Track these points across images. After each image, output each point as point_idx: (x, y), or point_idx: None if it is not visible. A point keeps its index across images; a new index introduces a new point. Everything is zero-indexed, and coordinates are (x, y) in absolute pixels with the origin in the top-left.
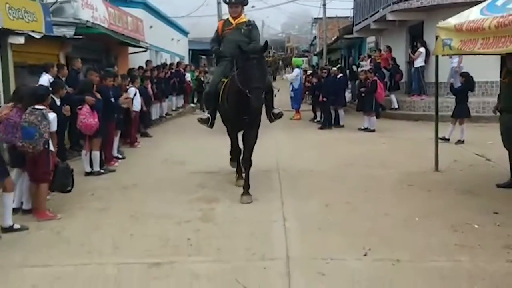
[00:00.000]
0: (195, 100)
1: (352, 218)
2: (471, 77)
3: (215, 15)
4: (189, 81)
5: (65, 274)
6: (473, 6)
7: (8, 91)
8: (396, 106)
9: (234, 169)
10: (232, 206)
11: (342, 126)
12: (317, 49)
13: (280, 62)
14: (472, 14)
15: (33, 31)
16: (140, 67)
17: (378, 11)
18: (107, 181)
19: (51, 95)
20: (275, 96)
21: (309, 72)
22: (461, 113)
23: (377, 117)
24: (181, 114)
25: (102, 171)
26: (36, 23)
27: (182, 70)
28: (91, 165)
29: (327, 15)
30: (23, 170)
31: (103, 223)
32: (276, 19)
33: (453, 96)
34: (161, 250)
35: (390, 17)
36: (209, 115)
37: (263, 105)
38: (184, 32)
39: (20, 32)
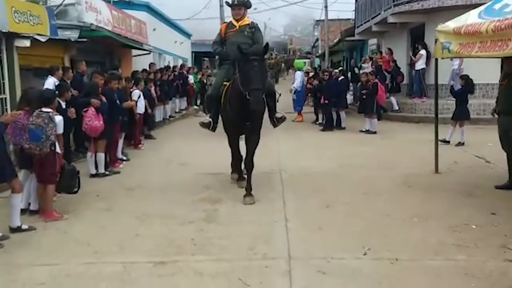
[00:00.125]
0: (198, 102)
1: (352, 218)
2: (471, 79)
3: (218, 18)
4: (192, 83)
5: (72, 272)
6: (474, 9)
7: (14, 94)
8: (397, 108)
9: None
10: (235, 207)
11: (344, 128)
12: (319, 51)
13: (283, 64)
14: (470, 18)
15: (38, 34)
16: (144, 70)
17: (379, 14)
18: (112, 183)
19: (57, 98)
20: (278, 101)
21: (311, 74)
22: (461, 115)
23: (378, 119)
24: (185, 116)
25: (107, 172)
26: (41, 26)
27: (185, 72)
28: (96, 167)
29: (329, 17)
30: (31, 172)
31: (109, 224)
32: (279, 21)
33: (454, 99)
34: (165, 250)
35: (391, 19)
36: (211, 119)
37: (265, 109)
38: (187, 35)
39: (26, 35)
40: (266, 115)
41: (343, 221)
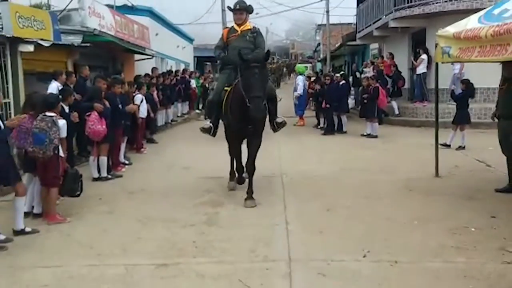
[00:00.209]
0: (200, 107)
1: (353, 221)
2: (472, 84)
3: (220, 23)
4: (194, 88)
5: (75, 274)
6: (474, 13)
7: (18, 98)
8: (397, 113)
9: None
10: (236, 210)
11: (345, 132)
12: (321, 56)
13: (285, 69)
14: (470, 23)
15: (42, 39)
16: (146, 74)
17: (380, 18)
18: (114, 186)
19: (61, 102)
20: (279, 103)
21: (312, 78)
22: (462, 119)
23: (379, 123)
24: (187, 120)
25: (109, 176)
26: (45, 31)
27: (187, 77)
28: (99, 171)
29: (331, 22)
30: (34, 175)
31: (111, 227)
32: (280, 25)
33: (454, 103)
34: (167, 252)
35: (392, 24)
36: (211, 124)
37: (267, 113)
38: (189, 39)
39: (30, 40)
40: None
41: (344, 224)
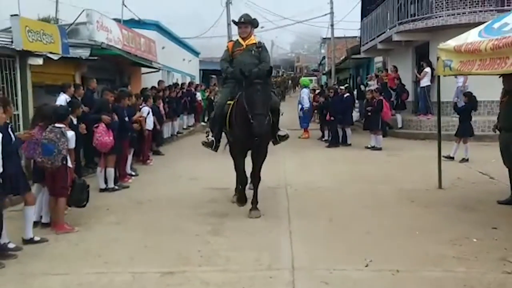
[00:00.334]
0: (205, 119)
1: (355, 231)
2: (474, 96)
3: (225, 36)
4: (200, 101)
5: (84, 281)
6: (475, 26)
7: (26, 110)
8: (400, 126)
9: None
10: (241, 220)
11: (350, 144)
12: (326, 69)
13: (290, 82)
14: (471, 37)
15: (50, 53)
16: (153, 87)
17: (384, 32)
18: (121, 197)
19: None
20: (282, 117)
21: (317, 91)
22: (465, 132)
23: (384, 136)
24: (192, 132)
25: (116, 187)
26: (54, 44)
27: (193, 89)
28: (106, 182)
29: (335, 35)
30: (43, 185)
31: (119, 236)
32: (286, 39)
33: (458, 115)
34: (173, 261)
35: (396, 37)
36: (213, 138)
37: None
38: (195, 53)
39: (39, 53)
40: None
41: (346, 234)
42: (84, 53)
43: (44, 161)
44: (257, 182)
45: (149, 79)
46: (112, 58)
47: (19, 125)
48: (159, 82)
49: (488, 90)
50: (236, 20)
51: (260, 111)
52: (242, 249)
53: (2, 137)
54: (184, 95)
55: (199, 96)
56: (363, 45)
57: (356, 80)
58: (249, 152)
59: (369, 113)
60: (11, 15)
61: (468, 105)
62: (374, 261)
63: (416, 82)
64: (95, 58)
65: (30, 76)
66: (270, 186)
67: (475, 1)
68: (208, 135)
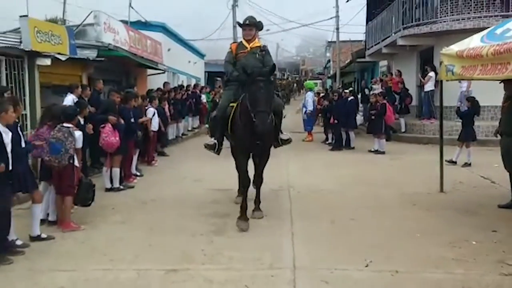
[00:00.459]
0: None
1: (356, 233)
2: (477, 101)
3: (231, 38)
4: (205, 103)
5: (90, 277)
6: (480, 31)
7: (34, 110)
8: (403, 130)
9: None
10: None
11: (353, 148)
12: (331, 72)
13: (295, 85)
14: (473, 42)
15: (58, 53)
16: (159, 89)
17: (389, 36)
18: (126, 197)
19: None
20: (285, 119)
21: (321, 94)
22: (467, 137)
23: (387, 140)
24: (197, 134)
25: (121, 187)
26: (62, 45)
27: (198, 91)
28: (111, 181)
29: (341, 39)
30: (50, 184)
31: (124, 235)
32: (291, 42)
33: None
34: (177, 259)
35: (400, 42)
36: (215, 141)
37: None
38: (201, 55)
39: (47, 54)
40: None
41: (348, 235)
42: (91, 54)
43: (51, 160)
44: (259, 183)
45: (155, 81)
46: (119, 59)
47: (26, 124)
48: (165, 83)
49: (492, 95)
50: (241, 22)
51: (262, 108)
52: (244, 249)
53: (12, 136)
54: (189, 97)
55: (204, 98)
56: (368, 49)
57: (361, 83)
58: (251, 155)
59: (373, 117)
60: (20, 16)
61: (471, 109)
62: (374, 261)
63: (420, 86)
64: (102, 59)
65: (38, 77)
66: (273, 188)
67: (480, 6)
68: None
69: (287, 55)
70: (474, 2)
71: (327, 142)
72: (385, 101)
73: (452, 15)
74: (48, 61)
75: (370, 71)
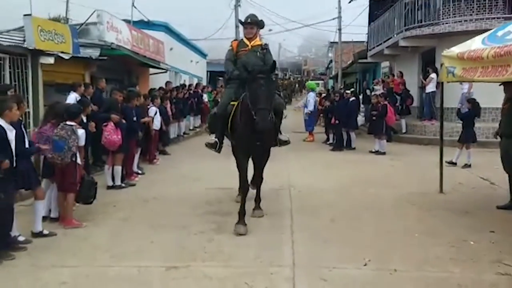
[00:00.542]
0: None
1: (355, 232)
2: (478, 103)
3: (233, 38)
4: (207, 102)
5: (92, 273)
6: (482, 33)
7: (37, 108)
8: (404, 131)
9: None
10: (245, 219)
11: (354, 148)
12: (333, 73)
13: (297, 85)
14: (474, 44)
15: (62, 52)
16: (161, 88)
17: (391, 37)
18: (128, 194)
19: None
20: (287, 119)
21: (323, 95)
22: (467, 138)
23: (388, 141)
24: (198, 133)
25: (123, 185)
26: (65, 44)
27: (200, 91)
28: (113, 179)
29: (343, 39)
30: (52, 181)
31: (125, 232)
32: (293, 42)
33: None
34: (178, 256)
35: (402, 43)
36: (216, 139)
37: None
38: (203, 54)
39: (50, 52)
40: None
41: (347, 234)
42: (94, 53)
43: (54, 157)
44: (259, 182)
45: (157, 80)
46: (121, 58)
47: (29, 122)
48: (167, 83)
49: (493, 97)
50: (243, 20)
51: (263, 105)
52: (244, 247)
53: (16, 134)
54: (191, 96)
55: (205, 97)
56: (370, 50)
57: (363, 84)
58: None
59: (374, 118)
60: (24, 15)
61: (471, 111)
62: (373, 260)
63: (422, 87)
64: (105, 58)
65: (41, 75)
66: (273, 188)
67: (482, 8)
68: (209, 134)
69: (289, 55)
70: (476, 4)
71: (328, 142)
72: (386, 102)
73: (454, 16)
74: (51, 60)
75: (372, 72)
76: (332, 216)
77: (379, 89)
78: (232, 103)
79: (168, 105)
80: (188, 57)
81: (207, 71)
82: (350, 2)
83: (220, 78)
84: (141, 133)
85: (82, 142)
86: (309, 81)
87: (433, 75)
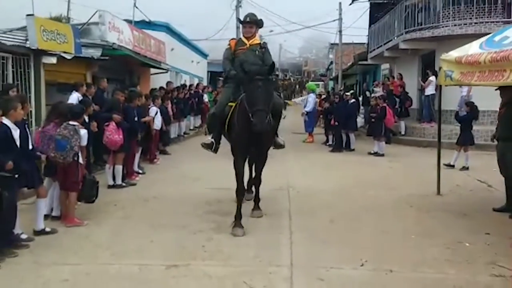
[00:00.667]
0: None
1: (353, 233)
2: (476, 106)
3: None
4: (207, 102)
5: (93, 271)
6: (481, 37)
7: (39, 108)
8: (403, 133)
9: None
10: (244, 219)
11: (353, 149)
12: (333, 74)
13: (297, 86)
14: (472, 49)
15: (64, 52)
16: (162, 88)
17: (391, 40)
18: (128, 194)
19: None
20: (287, 120)
21: (323, 96)
22: (465, 141)
23: (387, 143)
24: (198, 133)
25: (123, 184)
26: (67, 44)
27: (200, 91)
28: (114, 179)
29: (344, 41)
30: (54, 180)
31: (126, 230)
32: (294, 43)
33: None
34: (178, 255)
35: (402, 45)
36: (213, 140)
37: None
38: (204, 54)
39: (53, 52)
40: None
41: (345, 235)
42: (96, 53)
43: (56, 156)
44: (258, 184)
45: (158, 80)
46: (123, 58)
47: (31, 121)
48: (168, 83)
49: (492, 100)
50: (242, 19)
51: (260, 107)
52: (244, 246)
53: (20, 133)
54: (191, 96)
55: (206, 97)
56: (370, 52)
57: (363, 86)
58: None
59: (373, 120)
60: (27, 15)
61: (469, 114)
62: (370, 261)
63: (421, 90)
64: (106, 58)
65: (44, 74)
66: (272, 188)
67: (481, 12)
68: (206, 134)
69: (289, 56)
70: (476, 8)
71: (327, 144)
72: (385, 104)
73: (454, 20)
74: (54, 60)
75: (372, 74)
76: (331, 217)
77: (379, 91)
78: (230, 103)
79: (169, 105)
80: (189, 57)
81: (208, 71)
82: (350, 4)
83: (221, 78)
84: (142, 133)
85: (84, 142)
86: (310, 82)
87: (432, 78)
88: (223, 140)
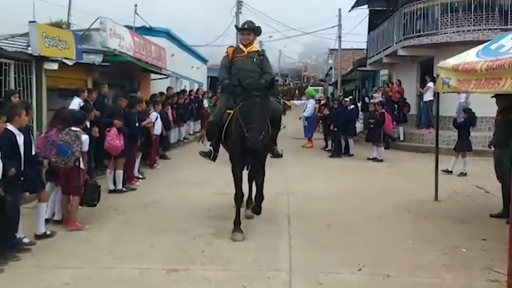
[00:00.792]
0: None
1: (351, 238)
2: (473, 113)
3: (234, 44)
4: (207, 107)
5: (94, 275)
6: (479, 44)
7: (40, 113)
8: (402, 139)
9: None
10: (243, 224)
11: (352, 155)
12: (333, 79)
13: (297, 91)
14: (469, 57)
15: (65, 58)
16: (162, 93)
17: (390, 46)
18: (129, 198)
19: None
20: (286, 128)
21: (322, 102)
22: (463, 147)
23: (386, 148)
24: (198, 138)
25: (124, 189)
26: (68, 50)
27: (200, 96)
28: (115, 183)
29: (343, 47)
30: (56, 184)
31: (127, 235)
32: (293, 48)
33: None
34: (178, 259)
35: (401, 52)
36: (211, 148)
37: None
38: (204, 60)
39: (54, 58)
40: None
41: (343, 240)
42: (97, 59)
43: (57, 161)
44: (260, 201)
45: (158, 85)
46: (123, 64)
47: (32, 127)
48: (168, 88)
49: (489, 107)
50: (239, 26)
51: (255, 125)
52: (243, 251)
53: (24, 139)
54: (191, 101)
55: (206, 103)
56: (369, 58)
57: (362, 91)
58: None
59: (372, 126)
60: (29, 22)
61: (467, 121)
62: (367, 265)
63: (420, 96)
64: (107, 64)
65: (45, 80)
66: (272, 193)
67: (479, 19)
68: (203, 141)
69: (289, 61)
70: (474, 15)
71: (326, 149)
72: (383, 110)
73: (452, 27)
74: (55, 66)
75: (371, 80)
76: (329, 222)
77: (378, 97)
78: (228, 111)
79: (169, 111)
80: (189, 63)
81: (208, 77)
82: (350, 11)
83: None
84: (142, 138)
85: (85, 148)
86: (309, 88)
87: (430, 84)
88: (222, 148)
